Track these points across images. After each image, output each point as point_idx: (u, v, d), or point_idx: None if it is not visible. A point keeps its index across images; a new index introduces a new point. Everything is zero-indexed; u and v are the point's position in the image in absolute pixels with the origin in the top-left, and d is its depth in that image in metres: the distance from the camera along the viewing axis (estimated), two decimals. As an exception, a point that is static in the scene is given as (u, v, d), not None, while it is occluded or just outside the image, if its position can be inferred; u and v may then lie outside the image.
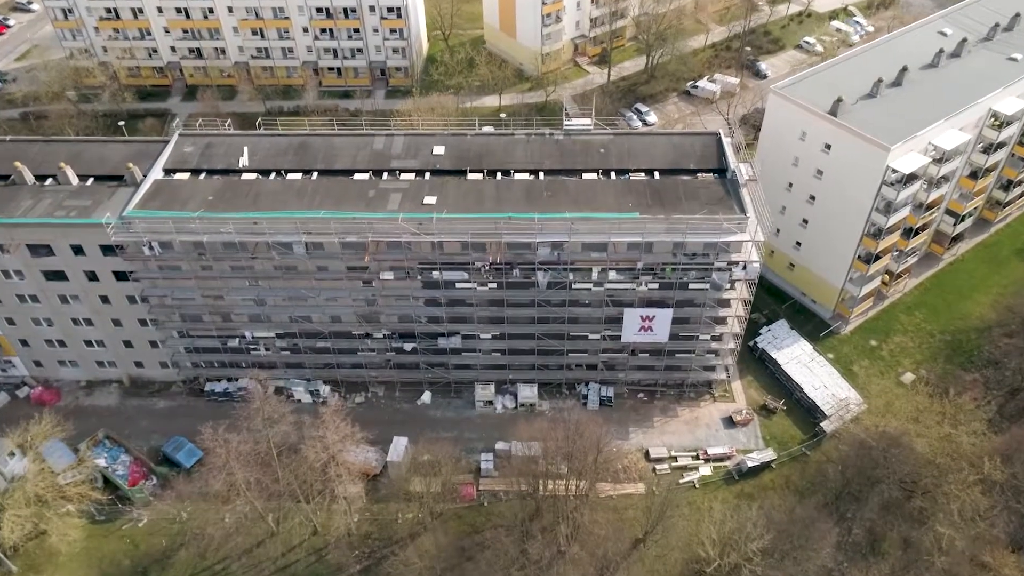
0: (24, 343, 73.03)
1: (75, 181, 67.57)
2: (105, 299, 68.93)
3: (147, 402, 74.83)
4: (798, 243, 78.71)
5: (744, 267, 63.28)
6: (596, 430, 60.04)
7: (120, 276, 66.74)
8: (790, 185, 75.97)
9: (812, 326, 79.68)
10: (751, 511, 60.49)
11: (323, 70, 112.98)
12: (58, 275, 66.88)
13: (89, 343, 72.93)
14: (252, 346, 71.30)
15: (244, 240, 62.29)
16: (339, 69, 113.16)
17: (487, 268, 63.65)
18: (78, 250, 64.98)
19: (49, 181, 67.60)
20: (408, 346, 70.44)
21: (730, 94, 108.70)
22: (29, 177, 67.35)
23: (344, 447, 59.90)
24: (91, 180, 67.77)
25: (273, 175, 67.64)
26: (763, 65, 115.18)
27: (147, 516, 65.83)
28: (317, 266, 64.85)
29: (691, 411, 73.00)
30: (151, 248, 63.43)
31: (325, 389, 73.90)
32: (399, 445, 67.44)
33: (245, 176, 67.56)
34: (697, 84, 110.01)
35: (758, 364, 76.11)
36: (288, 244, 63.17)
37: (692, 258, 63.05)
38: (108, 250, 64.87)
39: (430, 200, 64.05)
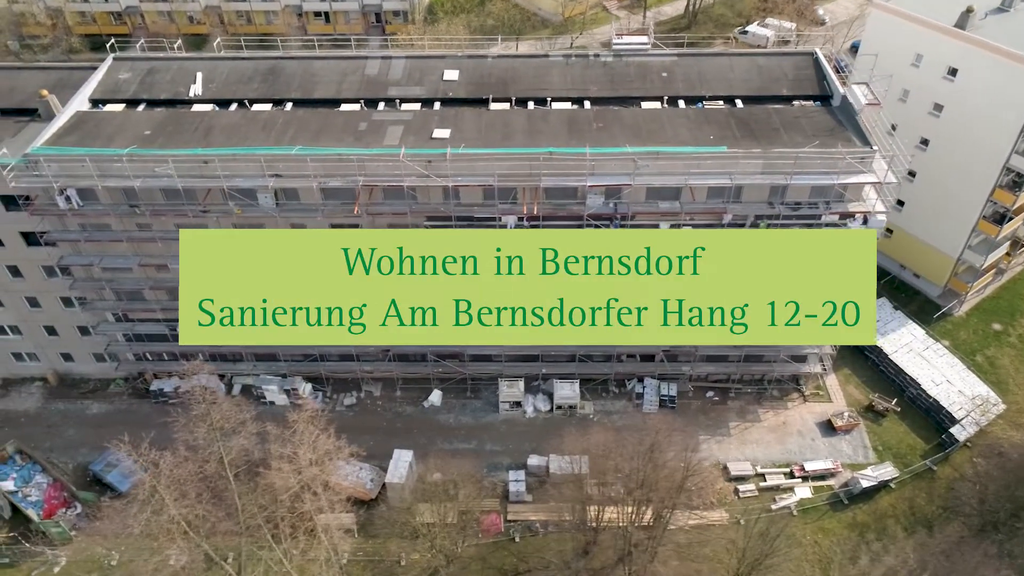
0: (-84, 330, 57.02)
1: (-28, 115, 51.62)
2: (15, 271, 52.75)
3: (76, 405, 58.41)
4: (899, 202, 62.57)
5: (865, 221, 47.23)
6: (684, 443, 44.07)
7: (31, 240, 50.68)
8: (893, 128, 59.74)
9: (916, 306, 63.62)
10: (882, 549, 44.65)
11: (308, 15, 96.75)
12: (-56, 238, 50.96)
13: (0, 330, 56.78)
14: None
15: (190, 186, 46.14)
16: (327, 14, 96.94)
17: (518, 224, 47.63)
18: (-54, 206, 48.96)
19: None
20: (412, 331, 54.38)
21: (784, 41, 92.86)
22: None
23: (325, 468, 43.78)
24: (-6, 115, 51.85)
25: (234, 106, 51.52)
26: (821, 10, 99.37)
27: (65, 558, 49.53)
28: (291, 223, 48.72)
29: (776, 414, 56.84)
30: (67, 199, 47.22)
31: (305, 388, 57.70)
32: (401, 461, 51.11)
33: (196, 108, 51.44)
34: (747, 30, 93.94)
35: (855, 353, 59.99)
36: (251, 191, 47.04)
37: (796, 208, 47.05)
38: (11, 203, 48.65)
39: (441, 133, 47.87)
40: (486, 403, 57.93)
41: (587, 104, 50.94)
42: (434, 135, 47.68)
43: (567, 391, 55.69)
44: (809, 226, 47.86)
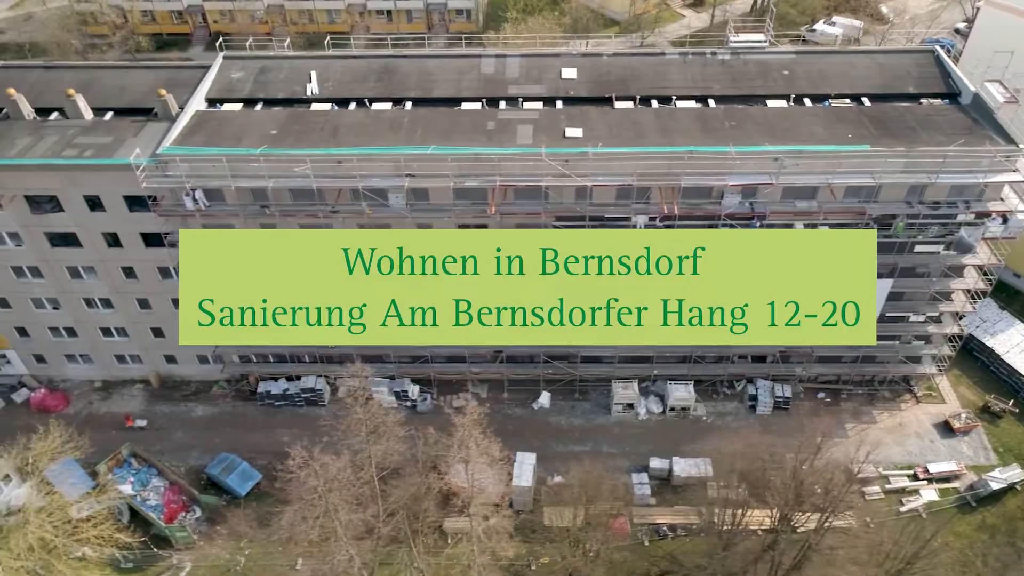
0: (22, 332, 55.95)
1: (89, 115, 50.79)
2: (129, 272, 52.05)
3: (181, 408, 57.81)
4: (1002, 201, 61.97)
5: (1005, 220, 46.69)
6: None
7: (151, 240, 49.99)
8: None
9: (1019, 305, 63.12)
10: (1015, 553, 44.07)
11: (371, 13, 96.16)
12: (67, 239, 49.99)
13: (107, 331, 55.89)
14: (321, 334, 54.52)
15: (323, 186, 45.56)
16: (389, 12, 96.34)
17: (651, 223, 47.05)
18: (95, 203, 48.08)
19: (54, 115, 50.82)
20: (528, 332, 53.80)
21: (853, 40, 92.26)
22: (27, 109, 50.41)
23: (487, 472, 43.28)
24: (109, 114, 51.03)
25: (352, 105, 50.91)
26: (885, 8, 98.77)
27: (190, 562, 48.96)
28: (417, 223, 48.13)
29: (891, 415, 56.25)
30: (194, 199, 46.61)
31: (414, 390, 57.13)
32: (526, 464, 50.58)
33: (315, 107, 50.84)
34: (815, 28, 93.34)
35: (963, 354, 59.34)
36: (382, 192, 46.41)
37: (935, 207, 46.48)
38: (136, 203, 48.00)
39: (574, 132, 47.31)
40: (595, 405, 57.35)
41: (711, 103, 50.42)
42: (567, 134, 47.13)
43: (682, 393, 55.10)
44: (945, 225, 47.38)
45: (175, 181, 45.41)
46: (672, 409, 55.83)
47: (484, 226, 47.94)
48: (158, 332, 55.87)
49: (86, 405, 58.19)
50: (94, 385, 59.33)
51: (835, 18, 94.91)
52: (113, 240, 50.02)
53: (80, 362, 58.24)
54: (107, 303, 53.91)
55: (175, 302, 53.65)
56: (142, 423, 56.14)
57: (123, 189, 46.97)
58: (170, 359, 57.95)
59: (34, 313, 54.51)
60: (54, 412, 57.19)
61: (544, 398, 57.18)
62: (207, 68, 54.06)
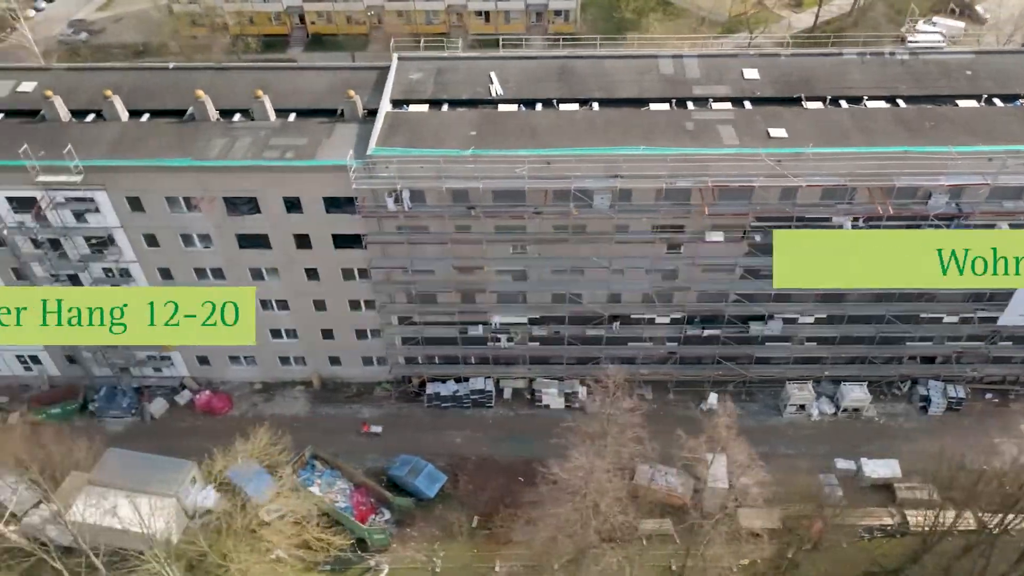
0: (191, 334, 55.98)
1: (272, 116, 50.70)
2: (313, 273, 52.02)
3: (346, 409, 57.62)
4: None
5: None
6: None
7: (341, 241, 49.89)
8: None
9: None
10: None
11: (469, 14, 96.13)
12: (257, 241, 49.95)
13: (277, 333, 55.96)
14: (496, 335, 54.30)
15: (535, 187, 45.42)
16: (487, 13, 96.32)
17: (853, 224, 46.98)
18: (292, 205, 48.05)
19: (237, 117, 50.74)
20: (707, 333, 53.62)
21: (953, 41, 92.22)
22: (212, 111, 50.35)
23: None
24: (292, 115, 50.93)
25: (539, 106, 50.78)
26: (981, 8, 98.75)
27: (387, 564, 48.75)
28: (615, 225, 48.02)
29: (1063, 415, 56.38)
30: (397, 200, 46.49)
31: (582, 391, 56.95)
32: (719, 464, 50.45)
33: (501, 107, 50.69)
34: (922, 27, 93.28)
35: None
36: (587, 193, 46.28)
37: None
38: (333, 205, 47.98)
39: (778, 133, 47.29)
40: (763, 406, 57.23)
41: (900, 103, 50.34)
42: (772, 134, 47.04)
43: (858, 393, 54.97)
44: None
45: (386, 182, 45.33)
46: (844, 410, 55.71)
47: (682, 227, 47.95)
48: (327, 334, 55.78)
49: (250, 407, 58.06)
50: (254, 387, 59.18)
51: (935, 19, 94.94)
52: (302, 241, 49.96)
53: (243, 364, 58.09)
54: (283, 305, 53.82)
55: (352, 303, 53.66)
56: (377, 429, 55.67)
57: (326, 190, 46.91)
58: (334, 361, 57.82)
59: (207, 315, 54.39)
60: (219, 414, 57.13)
61: (712, 398, 57.06)
62: (378, 69, 54.21)
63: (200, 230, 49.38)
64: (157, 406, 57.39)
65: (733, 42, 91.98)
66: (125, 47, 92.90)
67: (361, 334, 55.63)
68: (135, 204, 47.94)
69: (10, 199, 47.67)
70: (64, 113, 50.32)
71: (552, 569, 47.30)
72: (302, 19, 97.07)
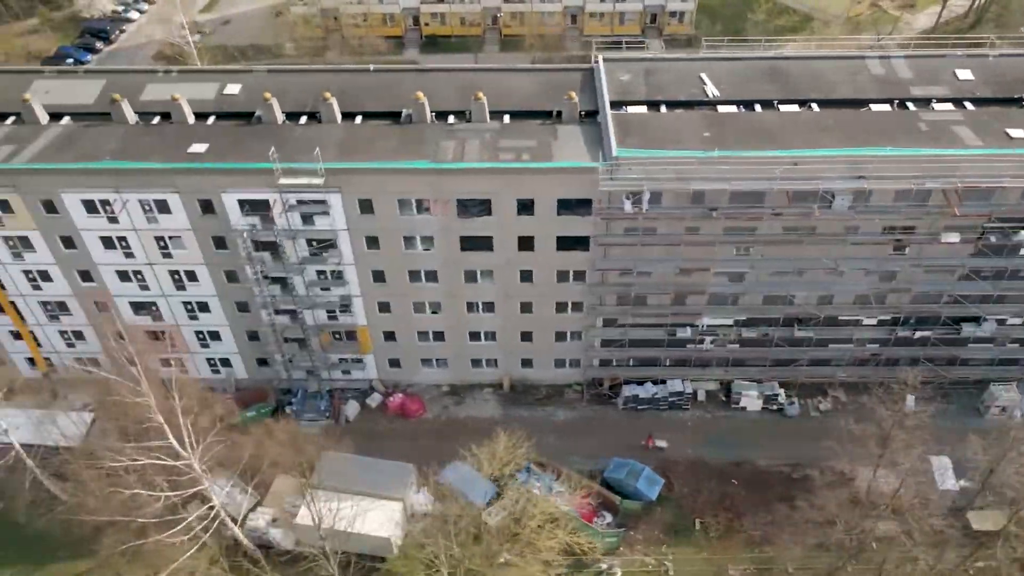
0: (389, 336, 55.69)
1: (487, 118, 50.48)
2: (527, 276, 51.77)
3: (539, 412, 57.32)
4: None
5: None
6: None
7: (565, 243, 49.52)
8: None
9: None
10: None
11: (585, 16, 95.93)
12: (480, 243, 49.70)
13: (476, 336, 55.72)
14: (701, 337, 54.08)
15: (782, 188, 45.18)
16: (600, 14, 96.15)
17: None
18: (524, 207, 47.81)
19: (451, 119, 50.49)
20: (919, 334, 53.40)
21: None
22: (426, 112, 50.07)
23: None
24: (506, 117, 50.70)
25: (758, 107, 50.53)
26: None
27: (619, 568, 48.49)
28: (847, 226, 47.81)
29: None
30: (635, 202, 46.30)
31: (782, 394, 56.65)
32: (942, 467, 50.32)
33: (721, 108, 50.44)
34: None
35: None
36: (830, 194, 46.06)
37: None
38: (564, 207, 47.74)
39: (1017, 133, 47.02)
40: (961, 407, 56.80)
41: (1125, 102, 50.19)
42: (1011, 135, 46.81)
43: (1066, 395, 54.85)
44: None
45: (631, 184, 45.13)
46: (1049, 412, 55.57)
47: (913, 229, 47.77)
48: (527, 336, 55.54)
49: (442, 410, 57.86)
50: (441, 389, 58.98)
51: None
52: (524, 243, 49.73)
53: (434, 366, 57.90)
54: (489, 307, 53.60)
55: (559, 306, 53.41)
56: (663, 443, 54.49)
57: (563, 192, 46.73)
58: (526, 363, 57.57)
59: (411, 317, 54.22)
60: (414, 417, 56.92)
61: (910, 400, 56.71)
62: (576, 71, 54.12)
63: (425, 232, 49.17)
64: (351, 409, 57.22)
65: (854, 43, 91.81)
66: (241, 49, 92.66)
67: (560, 336, 55.39)
68: (366, 206, 47.77)
69: (242, 202, 47.53)
70: (280, 115, 50.25)
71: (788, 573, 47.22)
72: (416, 21, 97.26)
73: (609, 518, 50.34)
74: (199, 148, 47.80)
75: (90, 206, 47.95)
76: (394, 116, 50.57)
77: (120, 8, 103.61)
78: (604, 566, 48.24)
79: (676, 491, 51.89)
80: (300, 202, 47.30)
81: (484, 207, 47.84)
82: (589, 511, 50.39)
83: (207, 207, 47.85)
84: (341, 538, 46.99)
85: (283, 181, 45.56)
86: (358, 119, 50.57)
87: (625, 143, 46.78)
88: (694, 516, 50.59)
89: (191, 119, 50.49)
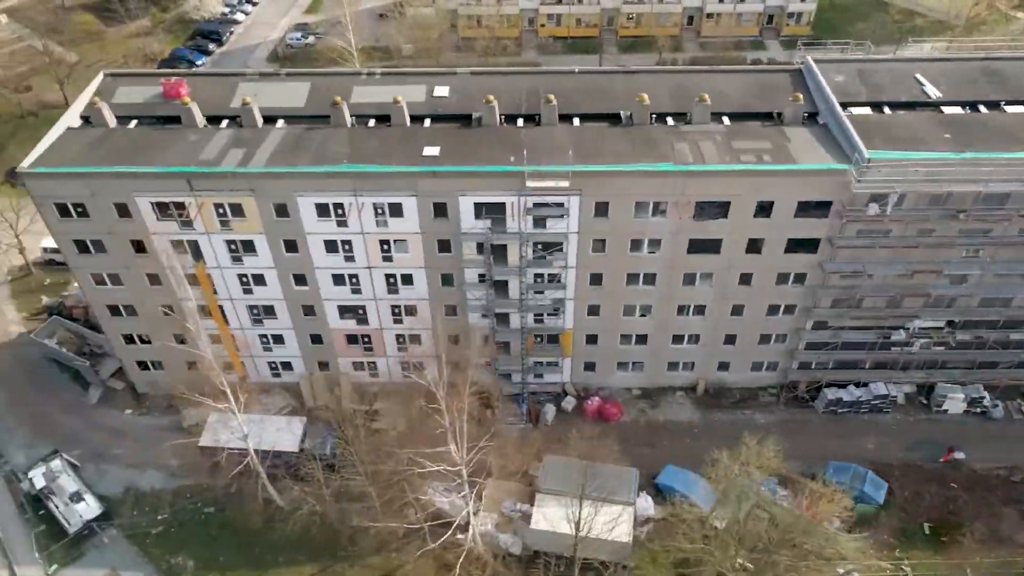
0: (591, 340, 55.38)
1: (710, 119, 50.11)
2: (745, 278, 51.37)
3: (739, 416, 56.85)
4: None
5: None
6: None
7: (793, 246, 49.23)
8: None
9: None
10: None
11: (703, 17, 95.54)
12: (708, 246, 49.06)
13: (679, 339, 55.36)
14: (911, 340, 53.75)
15: (1035, 190, 44.99)
16: (718, 15, 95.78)
17: None
18: (762, 209, 47.42)
19: (669, 120, 50.07)
20: None
21: None
22: (648, 114, 49.61)
23: None
24: (725, 119, 50.32)
25: (983, 108, 50.15)
26: None
27: (857, 572, 48.16)
28: (1080, 227, 47.52)
29: None
30: (881, 204, 45.99)
31: (987, 397, 56.25)
32: None
33: (947, 110, 50.04)
34: None
35: None
36: (1075, 196, 45.80)
37: None
38: (801, 209, 47.40)
39: None
40: None
41: None
42: None
43: None
44: None
45: (883, 185, 44.79)
46: None
47: None
48: (730, 339, 55.12)
49: (639, 413, 57.51)
50: (633, 393, 58.64)
51: None
52: (752, 246, 49.42)
53: (628, 370, 57.55)
54: (699, 310, 53.26)
55: (771, 308, 53.11)
56: (960, 455, 53.26)
57: (807, 194, 46.39)
58: (722, 366, 57.22)
59: (618, 320, 53.87)
60: (612, 421, 56.56)
61: (1119, 403, 56.49)
62: (789, 72, 53.85)
63: (654, 235, 48.79)
64: (548, 412, 56.89)
65: (973, 43, 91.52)
66: (365, 51, 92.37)
67: (764, 339, 55.03)
68: (602, 209, 47.42)
69: (478, 205, 47.24)
70: (497, 117, 49.95)
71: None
72: (531, 22, 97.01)
73: (837, 523, 50.02)
74: (432, 151, 47.61)
75: (322, 210, 47.73)
76: (607, 118, 50.48)
77: (226, 10, 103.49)
78: (840, 571, 47.93)
79: (897, 495, 51.55)
80: (537, 205, 47.01)
81: (721, 209, 47.51)
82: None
83: (440, 210, 47.58)
84: (580, 543, 46.74)
85: (531, 184, 45.26)
86: (575, 121, 50.44)
87: (872, 144, 46.36)
88: (920, 520, 50.28)
89: (408, 121, 50.34)
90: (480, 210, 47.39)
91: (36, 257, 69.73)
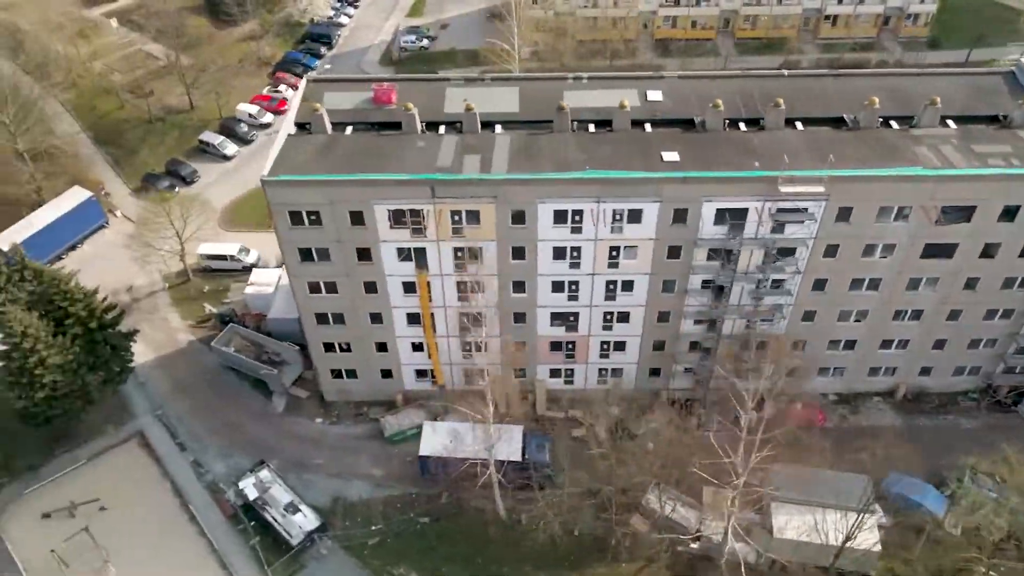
0: (796, 346, 54.40)
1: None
2: (971, 283, 50.87)
3: (941, 421, 56.43)
4: None
5: None
6: None
7: (1026, 251, 48.94)
8: None
9: None
10: None
11: (820, 18, 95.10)
12: (941, 250, 48.54)
13: (886, 343, 54.85)
14: None
15: None
16: (835, 16, 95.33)
17: None
18: (1006, 213, 46.95)
19: (893, 124, 49.64)
20: None
21: None
22: (875, 117, 49.18)
23: None
24: (951, 122, 49.85)
25: None
26: None
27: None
28: None
29: None
30: None
31: None
32: None
33: None
34: None
35: None
36: None
37: None
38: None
39: None
40: None
41: None
42: None
43: None
44: None
45: None
46: None
47: None
48: (939, 344, 54.63)
49: (840, 419, 57.00)
50: (828, 398, 58.14)
51: None
52: (986, 251, 48.92)
53: (829, 375, 56.91)
54: (916, 315, 52.53)
55: (991, 312, 52.61)
56: None
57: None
58: (924, 371, 56.70)
59: (832, 326, 53.25)
60: (816, 426, 55.91)
61: None
62: (1001, 75, 53.44)
63: (889, 240, 48.27)
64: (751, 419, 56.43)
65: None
66: (470, 52, 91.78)
67: (974, 343, 54.63)
68: (844, 214, 46.85)
69: (720, 211, 46.68)
70: (722, 121, 49.50)
71: None
72: (645, 26, 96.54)
73: (1074, 529, 49.59)
74: (671, 156, 47.15)
75: (559, 216, 47.19)
76: (829, 121, 50.04)
77: (332, 13, 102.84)
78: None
79: None
80: (782, 210, 46.51)
81: (964, 213, 47.06)
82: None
83: (680, 216, 47.06)
84: (825, 552, 46.33)
85: (785, 189, 44.77)
86: (798, 125, 49.99)
87: (1119, 148, 46.07)
88: None
89: (629, 126, 49.87)
90: (722, 216, 46.94)
91: (192, 264, 69.26)
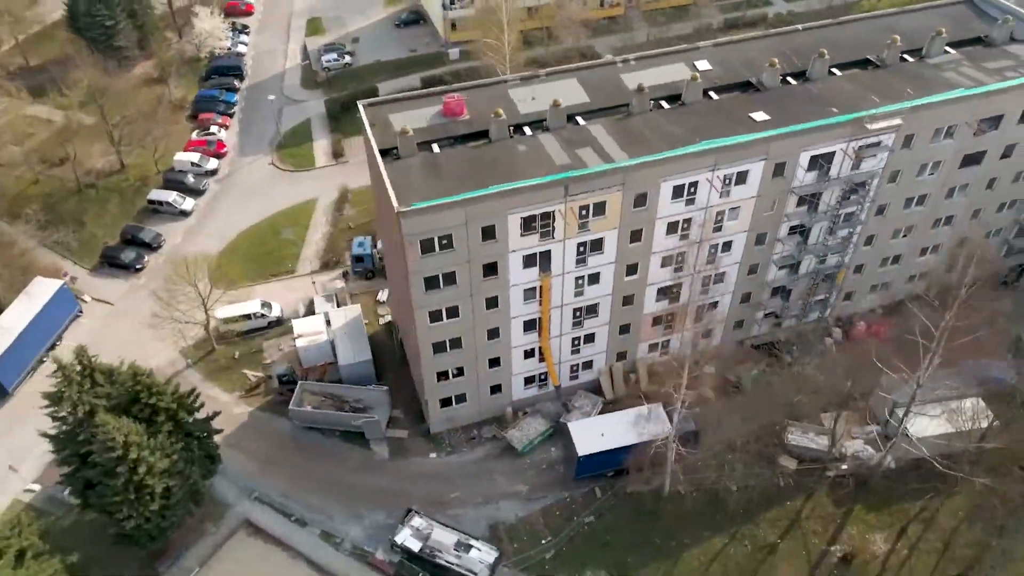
0: (857, 270, 59.99)
1: None
2: (991, 184, 58.34)
3: (968, 308, 64.43)
4: None
5: None
6: None
7: (1033, 145, 56.82)
8: None
9: None
10: None
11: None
12: (974, 159, 55.25)
13: (924, 251, 61.37)
14: None
15: None
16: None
17: None
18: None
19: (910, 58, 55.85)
20: None
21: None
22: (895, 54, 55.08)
23: None
24: (949, 49, 56.76)
25: None
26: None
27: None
28: None
29: None
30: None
31: None
32: None
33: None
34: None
35: None
36: None
37: None
38: (1047, 113, 54.93)
39: None
40: None
41: None
42: None
43: None
44: None
45: None
46: None
47: None
48: (962, 242, 62.26)
49: (893, 330, 63.10)
50: (876, 313, 64.12)
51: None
52: None
53: (876, 291, 62.80)
54: (948, 220, 59.49)
55: (1001, 206, 60.60)
56: None
57: (1063, 97, 53.87)
58: (948, 269, 64.19)
59: (887, 245, 58.86)
60: (879, 339, 61.61)
61: None
62: (949, 6, 61.19)
63: (938, 158, 54.10)
64: (825, 343, 61.14)
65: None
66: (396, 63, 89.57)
67: (988, 236, 62.71)
68: (907, 141, 51.84)
69: (813, 158, 50.07)
70: (777, 78, 53.07)
71: None
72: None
73: None
74: (761, 116, 49.96)
75: (677, 191, 48.47)
76: (855, 64, 55.29)
77: (228, 44, 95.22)
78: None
79: None
80: (863, 147, 50.76)
81: (994, 122, 53.83)
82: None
83: (779, 170, 49.99)
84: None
85: (871, 127, 49.06)
86: (834, 71, 54.74)
87: (1090, 49, 54.84)
88: None
89: (701, 96, 52.19)
90: (815, 162, 50.53)
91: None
